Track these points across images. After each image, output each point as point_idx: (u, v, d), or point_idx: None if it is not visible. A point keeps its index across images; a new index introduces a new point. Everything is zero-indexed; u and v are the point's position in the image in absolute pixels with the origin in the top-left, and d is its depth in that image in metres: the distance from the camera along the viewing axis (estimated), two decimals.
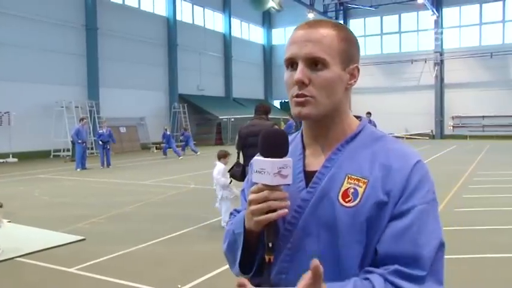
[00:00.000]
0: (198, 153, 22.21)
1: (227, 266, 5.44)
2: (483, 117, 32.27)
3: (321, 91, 1.18)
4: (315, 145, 1.27)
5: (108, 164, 17.14)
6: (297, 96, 1.19)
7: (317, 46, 1.18)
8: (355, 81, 1.25)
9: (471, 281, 4.99)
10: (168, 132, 22.04)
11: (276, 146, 1.14)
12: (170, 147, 21.50)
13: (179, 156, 20.67)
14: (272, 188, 1.10)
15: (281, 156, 1.12)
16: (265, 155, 1.13)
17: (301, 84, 1.18)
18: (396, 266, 1.07)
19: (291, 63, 1.22)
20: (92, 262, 5.66)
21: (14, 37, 20.87)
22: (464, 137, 31.67)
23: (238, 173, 6.95)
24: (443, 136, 33.52)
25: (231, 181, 7.28)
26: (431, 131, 33.78)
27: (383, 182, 1.14)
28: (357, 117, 1.32)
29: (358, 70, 1.25)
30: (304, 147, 1.29)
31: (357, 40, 1.26)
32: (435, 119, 33.81)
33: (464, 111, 32.74)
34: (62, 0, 23.20)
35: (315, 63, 1.18)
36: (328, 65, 1.18)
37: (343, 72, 1.21)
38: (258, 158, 1.14)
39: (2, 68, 20.46)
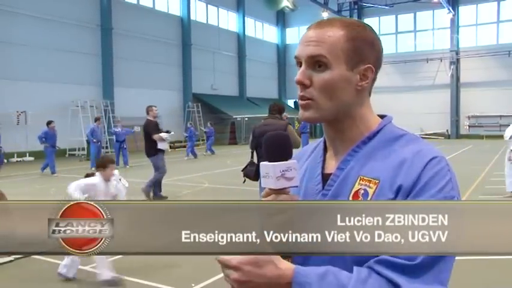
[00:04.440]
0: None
1: None
2: (500, 116, 31.84)
3: (321, 93, 1.16)
4: (333, 147, 1.26)
5: (125, 164, 17.11)
6: (300, 98, 1.19)
7: (319, 46, 1.15)
8: (367, 83, 1.19)
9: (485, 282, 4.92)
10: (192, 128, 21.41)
11: (278, 150, 1.12)
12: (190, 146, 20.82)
13: (195, 157, 20.60)
14: (278, 191, 1.09)
15: (286, 159, 1.10)
16: (270, 159, 1.11)
17: (301, 85, 1.17)
18: (383, 256, 1.02)
19: (299, 63, 1.19)
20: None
21: (31, 37, 21.13)
22: (481, 137, 31.29)
23: (252, 172, 6.94)
24: (459, 136, 33.17)
25: (244, 180, 7.26)
26: (447, 131, 33.44)
27: (392, 180, 1.10)
28: (383, 116, 1.26)
29: (372, 71, 1.19)
30: (325, 150, 1.28)
31: (374, 39, 1.21)
32: (451, 119, 33.47)
33: (481, 110, 32.36)
34: (78, 1, 23.43)
35: (318, 64, 1.16)
36: (330, 65, 1.15)
37: (350, 73, 1.16)
38: (262, 163, 1.13)
39: (19, 68, 20.73)
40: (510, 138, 9.52)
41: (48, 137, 15.43)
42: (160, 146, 9.63)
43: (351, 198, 1.14)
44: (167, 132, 9.86)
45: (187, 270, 5.41)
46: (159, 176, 9.86)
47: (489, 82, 32.00)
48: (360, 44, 1.17)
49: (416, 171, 1.09)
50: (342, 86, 1.16)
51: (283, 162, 1.10)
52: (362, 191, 1.13)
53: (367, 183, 1.13)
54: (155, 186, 9.85)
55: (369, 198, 1.11)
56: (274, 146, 1.13)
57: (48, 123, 15.81)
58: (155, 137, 9.47)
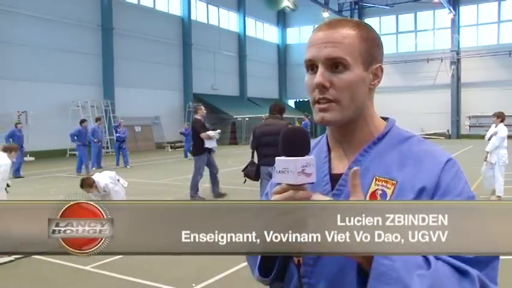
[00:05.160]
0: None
1: (241, 265, 5.45)
2: None
3: (344, 94, 1.16)
4: (340, 148, 1.25)
5: (126, 164, 17.15)
6: (320, 101, 1.17)
7: (337, 47, 1.15)
8: (378, 82, 1.22)
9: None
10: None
11: (298, 145, 1.09)
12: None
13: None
14: (296, 187, 1.07)
15: (303, 155, 1.08)
16: (288, 154, 1.09)
17: (321, 87, 1.15)
18: None
19: (311, 66, 1.18)
20: (107, 260, 5.69)
21: (31, 37, 21.14)
22: (481, 137, 31.04)
23: (253, 172, 6.96)
24: (459, 136, 33.14)
25: (245, 180, 7.28)
26: (448, 131, 33.41)
27: (412, 182, 1.12)
28: (385, 118, 1.28)
29: (382, 70, 1.22)
30: (329, 150, 1.27)
31: (379, 39, 1.23)
32: (451, 119, 33.44)
33: (481, 110, 32.29)
34: (78, 1, 23.44)
35: (335, 65, 1.15)
36: (350, 66, 1.15)
37: (366, 73, 1.18)
38: (280, 158, 1.10)
39: (19, 67, 20.74)
40: (488, 139, 9.54)
41: (81, 135, 15.69)
42: (208, 144, 9.86)
43: (368, 199, 1.13)
44: (214, 129, 10.19)
45: (187, 270, 5.41)
46: (196, 176, 10.03)
47: (490, 82, 31.96)
48: (371, 44, 1.20)
49: (436, 173, 1.11)
50: (360, 86, 1.17)
51: (303, 157, 1.08)
52: (380, 192, 1.14)
53: (384, 184, 1.14)
54: (191, 188, 10.07)
55: (387, 199, 1.12)
56: (294, 140, 1.10)
57: (82, 121, 16.26)
58: (203, 135, 9.65)
